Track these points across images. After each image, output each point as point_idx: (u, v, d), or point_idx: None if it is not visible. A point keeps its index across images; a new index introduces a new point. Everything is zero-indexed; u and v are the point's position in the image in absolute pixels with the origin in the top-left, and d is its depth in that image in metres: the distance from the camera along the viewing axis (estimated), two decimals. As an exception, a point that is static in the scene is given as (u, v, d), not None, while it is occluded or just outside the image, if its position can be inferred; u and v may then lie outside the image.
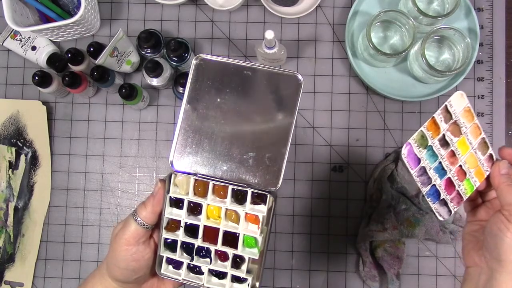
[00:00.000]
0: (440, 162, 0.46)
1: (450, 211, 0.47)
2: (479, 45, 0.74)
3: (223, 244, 0.44)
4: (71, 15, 0.75)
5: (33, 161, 0.77)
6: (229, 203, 0.44)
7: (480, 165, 0.48)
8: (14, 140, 0.78)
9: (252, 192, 0.43)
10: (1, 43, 0.77)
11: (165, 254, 0.45)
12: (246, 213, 0.44)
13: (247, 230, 0.44)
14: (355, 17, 0.75)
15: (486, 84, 0.76)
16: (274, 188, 0.43)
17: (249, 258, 0.44)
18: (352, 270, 0.75)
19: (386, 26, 0.73)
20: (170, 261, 0.46)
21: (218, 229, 0.44)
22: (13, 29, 0.76)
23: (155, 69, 0.70)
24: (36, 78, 0.70)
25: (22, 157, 0.77)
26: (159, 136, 0.78)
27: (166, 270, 0.46)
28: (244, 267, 0.44)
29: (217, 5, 0.75)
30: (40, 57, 0.76)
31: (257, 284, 0.45)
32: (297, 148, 0.76)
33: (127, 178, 0.78)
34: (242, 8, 0.78)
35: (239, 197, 0.44)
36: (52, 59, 0.72)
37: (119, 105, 0.78)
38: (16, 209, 0.77)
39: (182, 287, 0.50)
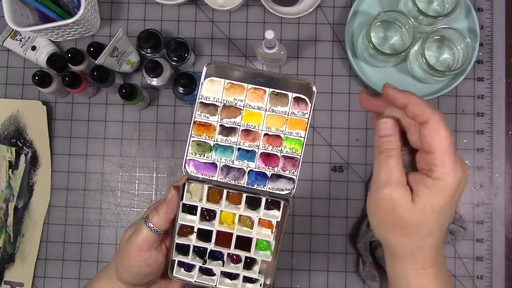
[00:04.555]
0: (239, 149, 0.42)
1: (290, 178, 0.43)
2: (479, 45, 0.74)
3: (236, 247, 0.44)
4: (71, 15, 0.75)
5: (33, 161, 0.77)
6: (243, 209, 0.43)
7: (290, 117, 0.42)
8: (14, 140, 0.78)
9: (266, 198, 0.43)
10: (1, 43, 0.77)
11: (178, 258, 0.45)
12: (260, 218, 0.44)
13: (261, 234, 0.44)
14: (355, 17, 0.75)
15: (486, 84, 0.76)
16: (288, 195, 0.43)
17: (260, 259, 0.44)
18: (352, 270, 0.75)
19: (386, 26, 0.73)
20: (181, 264, 0.46)
21: (232, 233, 0.44)
22: (13, 29, 0.76)
23: (155, 69, 0.70)
24: (36, 78, 0.70)
25: (22, 157, 0.77)
26: (159, 136, 0.78)
27: (178, 272, 0.45)
28: (256, 268, 0.44)
29: (217, 5, 0.75)
30: (40, 57, 0.76)
31: (268, 282, 0.45)
32: (297, 148, 0.76)
33: (127, 178, 0.78)
34: (242, 8, 0.78)
35: (253, 204, 0.44)
36: (52, 59, 0.72)
37: (119, 105, 0.78)
38: (16, 209, 0.77)
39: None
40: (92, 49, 0.72)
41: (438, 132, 0.34)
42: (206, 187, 0.43)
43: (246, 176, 0.43)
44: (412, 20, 0.68)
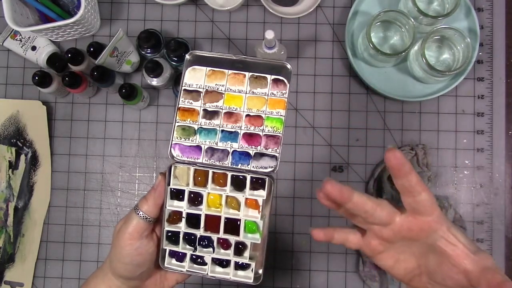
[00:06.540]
0: (222, 130, 0.44)
1: (273, 156, 0.44)
2: (479, 45, 0.74)
3: (225, 232, 0.45)
4: (71, 15, 0.75)
5: (33, 161, 0.77)
6: (229, 190, 0.44)
7: (270, 97, 0.44)
8: (14, 140, 0.78)
9: (251, 177, 0.44)
10: (1, 43, 0.77)
11: (168, 247, 0.45)
12: (246, 198, 0.44)
13: (248, 216, 0.45)
14: (355, 17, 0.75)
15: (486, 84, 0.76)
16: (272, 172, 0.44)
17: (251, 244, 0.45)
18: (352, 270, 0.75)
19: (386, 26, 0.73)
20: (173, 254, 0.46)
21: (220, 217, 0.44)
22: (13, 29, 0.76)
23: (155, 69, 0.70)
24: (36, 78, 0.70)
25: (22, 157, 0.77)
26: (159, 136, 0.78)
27: (170, 263, 0.46)
28: (246, 253, 0.45)
29: (217, 5, 0.75)
30: (40, 57, 0.76)
31: (260, 271, 0.45)
32: (297, 148, 0.76)
33: (127, 178, 0.78)
34: (242, 8, 0.78)
35: (238, 184, 0.45)
36: (52, 59, 0.72)
37: (119, 105, 0.78)
38: (16, 209, 0.77)
39: (183, 285, 0.50)
40: (92, 49, 0.72)
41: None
42: (192, 169, 0.44)
43: (230, 157, 0.44)
44: (412, 20, 0.68)
